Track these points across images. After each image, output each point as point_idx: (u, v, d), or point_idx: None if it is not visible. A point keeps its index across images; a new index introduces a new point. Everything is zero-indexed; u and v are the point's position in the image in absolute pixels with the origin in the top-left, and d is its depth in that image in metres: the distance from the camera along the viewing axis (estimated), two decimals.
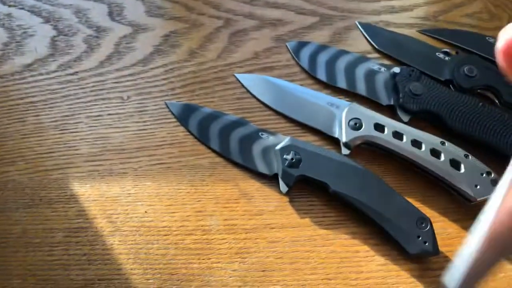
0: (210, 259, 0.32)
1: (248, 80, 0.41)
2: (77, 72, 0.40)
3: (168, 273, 0.32)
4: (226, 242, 0.33)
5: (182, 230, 0.33)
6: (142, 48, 0.42)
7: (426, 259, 0.33)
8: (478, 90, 0.41)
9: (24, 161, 0.35)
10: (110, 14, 0.44)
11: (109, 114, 0.38)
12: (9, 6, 0.43)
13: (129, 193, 0.34)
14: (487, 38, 0.45)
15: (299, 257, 0.33)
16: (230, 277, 0.32)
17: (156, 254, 0.32)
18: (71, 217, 0.33)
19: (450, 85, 0.41)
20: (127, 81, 0.40)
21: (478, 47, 0.45)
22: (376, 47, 0.44)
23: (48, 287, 0.31)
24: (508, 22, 0.27)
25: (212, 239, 0.33)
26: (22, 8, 0.43)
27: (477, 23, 0.48)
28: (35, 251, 0.32)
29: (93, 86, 0.39)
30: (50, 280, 0.31)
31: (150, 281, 0.31)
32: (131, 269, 0.32)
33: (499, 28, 0.19)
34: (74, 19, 0.43)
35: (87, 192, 0.34)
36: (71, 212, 0.33)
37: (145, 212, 0.34)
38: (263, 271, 0.32)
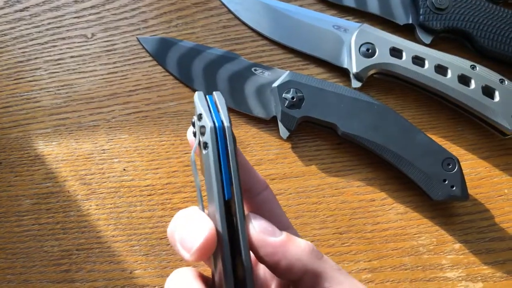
0: None
1: (236, 2, 0.34)
2: (27, 7, 0.33)
3: (155, 238, 0.28)
4: None
5: (169, 188, 0.29)
6: None
7: (452, 204, 0.29)
8: None
9: None
10: None
11: (72, 57, 0.32)
12: None
13: (103, 149, 0.29)
14: None
15: (306, 210, 0.29)
16: None
17: (140, 218, 0.28)
18: (38, 181, 0.29)
19: None
20: (90, 14, 0.33)
21: None
22: None
23: (19, 262, 0.27)
24: None
25: (204, 196, 0.28)
26: None
27: None
28: (1, 222, 0.28)
29: (48, 24, 0.32)
30: (21, 254, 0.27)
31: (136, 247, 0.27)
32: (113, 236, 0.28)
33: None
34: None
35: (54, 151, 0.29)
36: (38, 176, 0.29)
37: (124, 170, 0.29)
38: None
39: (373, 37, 0.31)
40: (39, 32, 0.32)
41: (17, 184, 0.29)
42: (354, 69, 0.31)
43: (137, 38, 0.32)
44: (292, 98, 0.29)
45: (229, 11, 0.34)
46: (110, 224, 0.28)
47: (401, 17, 0.34)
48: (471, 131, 0.31)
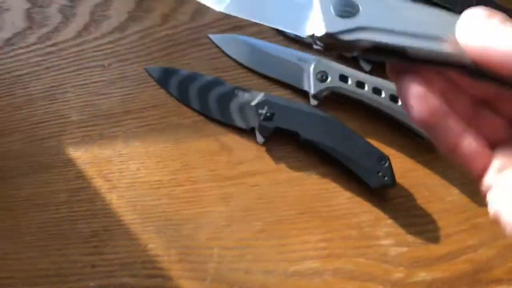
0: (199, 205, 0.37)
1: (221, 40, 0.44)
2: (56, 43, 0.41)
3: (164, 220, 0.36)
4: (212, 189, 0.37)
5: (173, 183, 0.37)
6: (117, 15, 0.43)
7: (385, 190, 0.39)
8: None
9: (20, 131, 0.38)
10: None
11: (93, 82, 0.40)
12: None
13: (121, 154, 0.38)
14: None
15: (277, 197, 0.38)
16: (218, 218, 0.37)
17: (151, 205, 0.37)
18: (70, 179, 0.37)
19: None
20: (106, 49, 0.42)
21: None
22: None
23: (58, 240, 0.35)
24: None
25: (200, 188, 0.38)
26: None
27: None
28: (43, 211, 0.36)
29: (74, 56, 0.41)
30: (60, 234, 0.35)
31: (149, 228, 0.36)
32: (130, 219, 0.36)
33: None
34: None
35: (83, 155, 0.38)
36: (70, 175, 0.37)
37: (137, 169, 0.38)
38: (245, 210, 0.37)
39: (326, 66, 0.41)
40: (66, 63, 0.41)
41: (54, 181, 0.37)
42: (312, 91, 0.41)
43: (144, 68, 0.41)
44: (266, 113, 0.39)
45: (216, 46, 0.43)
46: (128, 210, 0.36)
47: None
48: (401, 137, 0.41)
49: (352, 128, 0.40)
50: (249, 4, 0.21)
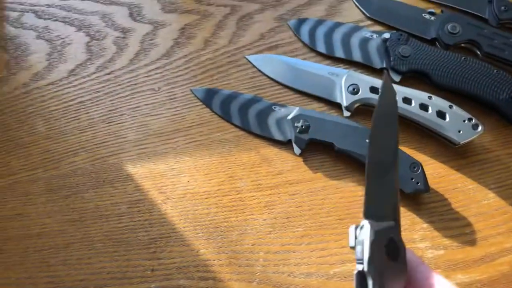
0: (244, 212, 0.40)
1: (258, 60, 0.47)
2: (112, 71, 0.47)
3: (213, 227, 0.40)
4: (255, 198, 0.41)
5: (219, 193, 0.41)
6: (163, 43, 0.48)
7: (420, 196, 0.41)
8: (462, 45, 0.47)
9: (85, 151, 0.43)
10: (131, 15, 0.50)
11: (146, 104, 0.45)
12: (45, 19, 0.49)
13: (173, 168, 0.42)
14: None
15: (315, 204, 0.41)
16: (262, 225, 0.40)
17: (201, 214, 0.41)
18: (130, 192, 0.42)
19: (436, 43, 0.47)
20: (156, 74, 0.46)
21: (462, 2, 0.49)
22: (368, 15, 0.49)
23: (123, 247, 0.40)
24: None
25: (244, 197, 0.41)
26: (56, 20, 0.49)
27: None
28: (108, 221, 0.41)
29: (128, 82, 0.46)
30: (124, 242, 0.40)
31: (200, 234, 0.40)
32: (183, 227, 0.40)
33: None
34: (102, 23, 0.49)
35: (139, 171, 0.42)
36: (129, 188, 0.42)
37: (188, 181, 0.42)
38: (287, 218, 0.40)
39: (357, 79, 0.44)
40: (121, 88, 0.46)
41: (116, 194, 0.42)
42: (344, 103, 0.44)
43: (190, 89, 0.46)
44: (302, 126, 0.42)
45: (254, 66, 0.47)
46: (181, 219, 0.41)
47: (378, 63, 0.46)
48: (432, 143, 0.43)
49: None
50: None
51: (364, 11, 0.49)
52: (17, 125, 0.44)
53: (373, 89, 0.43)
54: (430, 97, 0.42)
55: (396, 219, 0.25)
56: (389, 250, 0.23)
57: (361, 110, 0.44)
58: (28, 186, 0.42)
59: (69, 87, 0.46)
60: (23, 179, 0.42)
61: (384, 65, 0.46)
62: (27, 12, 0.50)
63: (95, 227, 0.40)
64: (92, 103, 0.45)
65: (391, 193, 0.25)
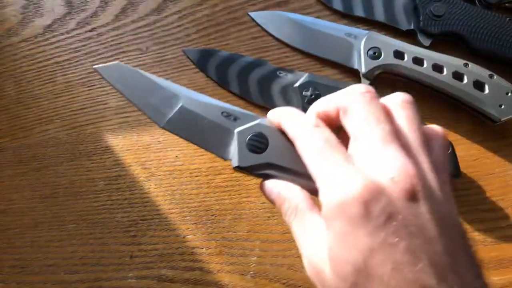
0: (240, 194, 0.35)
1: (263, 17, 0.40)
2: (95, 28, 0.41)
3: (203, 210, 0.34)
4: (253, 178, 0.35)
5: (212, 171, 0.36)
6: None
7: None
8: (506, 4, 0.39)
9: (61, 118, 0.38)
10: None
11: (132, 67, 0.39)
12: None
13: (159, 141, 0.37)
14: None
15: None
16: (259, 209, 0.34)
17: (190, 194, 0.35)
18: (109, 167, 0.36)
19: (476, 1, 0.39)
20: (144, 31, 0.40)
21: None
22: None
23: (98, 229, 0.34)
24: None
25: (240, 176, 0.35)
26: None
27: None
28: (82, 198, 0.35)
29: (112, 41, 0.40)
30: (99, 223, 0.35)
31: (187, 218, 0.34)
32: (169, 209, 0.35)
33: None
34: None
35: (120, 142, 0.37)
36: (109, 162, 0.36)
37: (176, 157, 0.36)
38: None
39: (379, 42, 0.37)
40: (104, 47, 0.40)
41: (93, 169, 0.36)
42: (363, 70, 0.37)
43: (182, 50, 0.39)
44: (311, 95, 0.36)
45: (257, 24, 0.40)
46: (166, 199, 0.35)
47: (404, 24, 0.39)
48: (466, 120, 0.36)
49: None
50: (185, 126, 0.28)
51: None
52: None
53: (398, 54, 0.37)
54: (466, 65, 0.35)
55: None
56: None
57: (382, 78, 0.37)
58: None
59: (45, 45, 0.40)
60: None
61: (412, 26, 0.39)
62: None
63: (67, 205, 0.35)
64: (70, 64, 0.39)
65: None
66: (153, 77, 0.31)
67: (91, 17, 0.41)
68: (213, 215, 0.34)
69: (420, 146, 0.22)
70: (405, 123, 0.22)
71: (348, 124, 0.22)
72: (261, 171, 0.27)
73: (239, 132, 0.28)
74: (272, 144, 0.27)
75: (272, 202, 0.25)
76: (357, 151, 0.21)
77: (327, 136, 0.22)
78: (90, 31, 0.41)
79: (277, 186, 0.26)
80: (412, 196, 0.20)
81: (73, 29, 0.41)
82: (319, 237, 0.21)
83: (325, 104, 0.24)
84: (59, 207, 0.35)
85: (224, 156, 0.28)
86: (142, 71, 0.32)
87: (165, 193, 0.35)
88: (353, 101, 0.23)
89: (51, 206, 0.35)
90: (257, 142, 0.27)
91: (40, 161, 0.36)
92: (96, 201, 0.35)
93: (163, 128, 0.29)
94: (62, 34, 0.40)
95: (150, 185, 0.35)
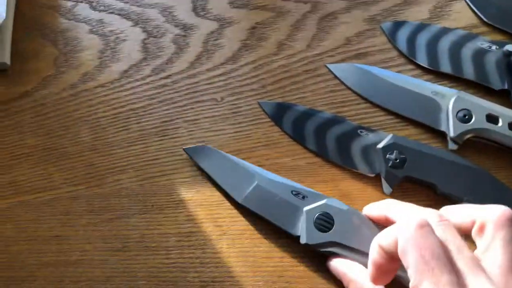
0: (315, 262, 0.33)
1: (341, 70, 0.39)
2: (170, 75, 0.40)
3: (276, 276, 0.33)
4: None
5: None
6: (230, 44, 0.41)
7: None
8: None
9: (133, 168, 0.37)
10: (195, 9, 0.43)
11: (205, 117, 0.38)
12: (100, 11, 0.44)
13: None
14: None
15: None
16: (337, 280, 0.32)
17: (263, 257, 0.34)
18: (181, 222, 0.35)
19: None
20: (219, 81, 0.40)
21: None
22: (485, 20, 0.39)
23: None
24: None
25: None
26: (112, 13, 0.43)
27: None
28: (153, 254, 0.35)
29: (186, 89, 0.40)
30: (170, 282, 0.34)
31: (260, 283, 0.33)
32: (241, 271, 0.33)
33: None
34: (161, 18, 0.43)
35: (193, 197, 0.36)
36: (181, 217, 0.35)
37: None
38: None
39: (469, 103, 0.35)
40: (179, 96, 0.39)
41: (165, 223, 0.35)
42: (451, 133, 0.34)
43: (258, 102, 0.38)
44: (396, 159, 0.34)
45: (335, 77, 0.39)
46: (239, 261, 0.34)
47: (497, 83, 0.36)
48: None
49: (502, 180, 0.32)
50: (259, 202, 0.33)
51: (480, 14, 0.39)
52: (62, 132, 0.39)
53: (490, 118, 0.34)
54: None
55: None
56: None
57: (472, 142, 0.35)
58: (68, 204, 0.37)
59: (120, 91, 0.40)
60: (64, 195, 0.37)
61: (506, 86, 0.36)
62: (81, 2, 0.45)
63: (138, 260, 0.34)
64: (144, 111, 0.39)
65: None
66: (234, 158, 0.36)
67: (166, 63, 0.41)
68: (287, 282, 0.33)
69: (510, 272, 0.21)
70: (499, 244, 0.22)
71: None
72: (327, 249, 0.30)
73: (307, 211, 0.31)
74: (337, 223, 0.30)
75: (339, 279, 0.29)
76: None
77: (438, 249, 0.22)
78: (164, 78, 0.40)
79: (342, 266, 0.29)
80: None
81: (148, 76, 0.41)
82: None
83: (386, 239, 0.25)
84: (130, 261, 0.34)
85: (293, 232, 0.31)
86: (224, 153, 0.36)
87: (237, 254, 0.34)
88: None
89: (122, 259, 0.35)
90: (324, 222, 0.30)
91: (112, 212, 0.36)
92: (167, 258, 0.34)
93: (241, 203, 0.34)
94: (137, 80, 0.40)
95: (223, 245, 0.34)
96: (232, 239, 0.34)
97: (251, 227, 0.34)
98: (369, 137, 0.35)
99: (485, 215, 0.23)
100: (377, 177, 0.34)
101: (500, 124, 0.34)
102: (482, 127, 0.34)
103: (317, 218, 0.30)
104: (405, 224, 0.23)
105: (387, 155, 0.34)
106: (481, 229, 0.23)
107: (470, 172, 0.33)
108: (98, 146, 0.38)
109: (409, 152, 0.34)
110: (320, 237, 0.30)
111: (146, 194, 0.36)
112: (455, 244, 0.22)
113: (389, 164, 0.33)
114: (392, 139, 0.34)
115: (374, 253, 0.26)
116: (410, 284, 0.22)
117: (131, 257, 0.35)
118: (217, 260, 0.34)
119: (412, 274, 0.22)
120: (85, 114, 0.40)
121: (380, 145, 0.34)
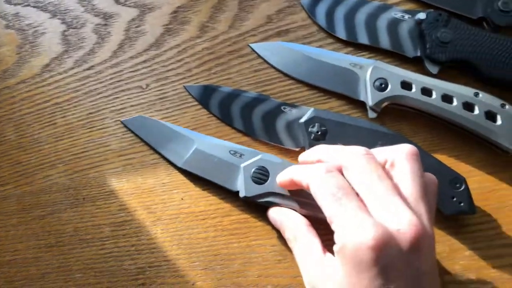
0: (248, 237, 0.34)
1: (264, 48, 0.39)
2: (93, 66, 0.40)
3: (211, 255, 0.34)
4: (262, 220, 0.34)
5: (219, 213, 0.35)
6: (152, 30, 0.40)
7: (462, 217, 0.33)
8: None
9: (63, 163, 0.37)
10: None
11: (132, 106, 0.38)
12: (15, 5, 0.42)
13: (164, 183, 0.36)
14: None
15: None
16: (270, 252, 0.33)
17: (198, 238, 0.34)
18: (114, 212, 0.35)
19: (484, 23, 0.38)
20: (143, 68, 0.39)
21: None
22: None
23: (106, 278, 0.34)
24: None
25: (249, 218, 0.34)
26: (28, 5, 0.42)
27: None
28: (89, 246, 0.35)
29: (111, 79, 0.39)
30: (107, 272, 0.34)
31: (196, 263, 0.34)
32: (177, 254, 0.34)
33: None
34: (80, 8, 0.42)
35: (124, 186, 0.36)
36: (113, 207, 0.35)
37: (182, 199, 0.35)
38: None
39: (385, 72, 0.36)
40: (103, 86, 0.39)
41: (98, 215, 0.35)
42: (370, 102, 0.36)
43: (184, 86, 0.38)
44: (317, 131, 0.35)
45: (259, 56, 0.39)
46: (174, 244, 0.34)
47: (410, 51, 0.38)
48: (478, 151, 0.35)
49: (417, 143, 0.34)
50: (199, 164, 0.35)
51: None
52: None
53: (405, 84, 0.35)
54: (476, 94, 0.34)
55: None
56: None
57: (390, 109, 0.36)
58: None
59: (43, 86, 0.39)
60: None
61: (419, 53, 0.37)
62: None
63: (73, 254, 0.34)
64: (69, 104, 0.39)
65: None
66: (171, 125, 0.37)
67: (89, 54, 0.40)
68: (222, 259, 0.34)
69: (421, 198, 0.25)
70: (408, 176, 0.26)
71: (351, 178, 0.26)
72: (264, 199, 0.32)
73: (244, 167, 0.33)
74: (273, 175, 0.32)
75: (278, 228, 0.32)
76: (364, 203, 0.25)
77: (342, 183, 0.25)
78: (88, 69, 0.40)
79: (278, 214, 0.32)
80: (415, 247, 0.23)
81: (71, 68, 0.40)
82: (318, 259, 0.27)
83: (329, 161, 0.28)
84: (65, 256, 0.34)
85: (232, 188, 0.33)
86: (162, 121, 0.37)
87: (172, 238, 0.34)
88: (355, 159, 0.26)
89: (57, 255, 0.35)
90: (260, 175, 0.32)
91: (43, 208, 0.36)
92: (102, 248, 0.35)
93: (181, 167, 0.35)
94: (59, 73, 0.40)
95: (157, 230, 0.35)
96: (166, 224, 0.35)
97: (184, 211, 0.35)
98: (292, 113, 0.36)
99: (395, 153, 0.27)
100: (302, 151, 0.35)
101: (413, 90, 0.35)
102: (397, 94, 0.35)
103: (253, 172, 0.32)
104: (316, 171, 0.26)
105: (309, 129, 0.35)
106: (392, 165, 0.27)
107: (388, 138, 0.34)
108: (24, 144, 0.38)
109: (330, 124, 0.35)
110: (257, 189, 0.32)
111: (77, 188, 0.36)
112: (377, 172, 0.25)
113: (311, 137, 0.35)
114: (313, 113, 0.35)
115: (283, 180, 0.30)
116: (327, 220, 0.25)
117: (65, 251, 0.35)
118: (153, 246, 0.34)
119: (325, 210, 0.25)
120: (8, 112, 0.39)
121: (302, 120, 0.35)
